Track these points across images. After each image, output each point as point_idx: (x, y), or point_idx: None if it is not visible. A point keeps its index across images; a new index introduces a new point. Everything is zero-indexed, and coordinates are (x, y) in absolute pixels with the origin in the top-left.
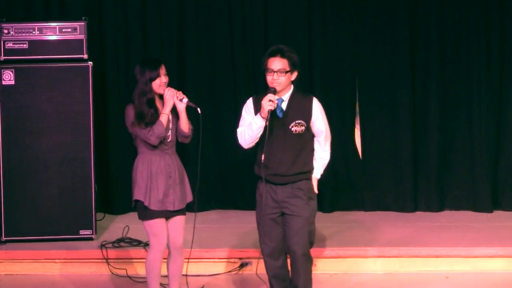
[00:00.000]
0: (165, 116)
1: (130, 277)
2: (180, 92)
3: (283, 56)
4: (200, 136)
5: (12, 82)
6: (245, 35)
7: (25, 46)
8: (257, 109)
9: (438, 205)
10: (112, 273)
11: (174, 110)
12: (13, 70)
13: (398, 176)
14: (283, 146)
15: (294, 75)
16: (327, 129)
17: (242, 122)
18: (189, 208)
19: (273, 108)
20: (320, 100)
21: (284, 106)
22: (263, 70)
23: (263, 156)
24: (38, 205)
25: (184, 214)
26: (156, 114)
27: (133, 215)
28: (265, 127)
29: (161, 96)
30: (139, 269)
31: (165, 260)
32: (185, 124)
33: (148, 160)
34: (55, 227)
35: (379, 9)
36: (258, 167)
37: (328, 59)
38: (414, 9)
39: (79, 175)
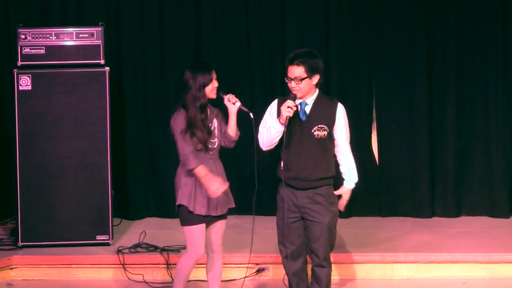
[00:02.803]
0: (202, 173)
1: (146, 283)
2: (233, 95)
3: (299, 63)
4: (254, 141)
5: (29, 88)
6: (262, 40)
7: (42, 51)
8: (280, 112)
9: (455, 211)
10: (129, 278)
11: (220, 115)
12: (30, 75)
13: (415, 182)
14: (304, 150)
15: (315, 79)
16: (348, 136)
17: (263, 123)
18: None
19: (291, 115)
20: None
21: (308, 109)
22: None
23: (282, 161)
24: (54, 210)
25: (226, 218)
26: (206, 120)
27: (150, 221)
28: (284, 133)
29: (210, 102)
30: (155, 275)
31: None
32: (233, 129)
33: None
34: (72, 232)
35: (396, 14)
36: (278, 169)
37: (345, 64)
38: (431, 14)
39: (96, 180)
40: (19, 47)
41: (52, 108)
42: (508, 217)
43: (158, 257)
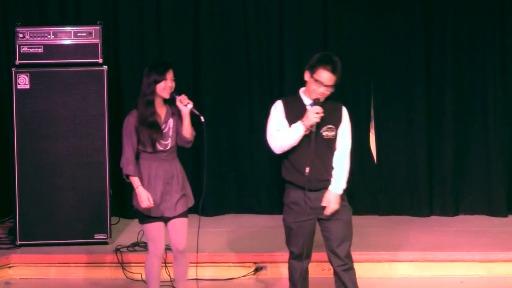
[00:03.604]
0: (135, 184)
1: (145, 281)
2: (186, 97)
3: (336, 72)
4: (205, 145)
5: (27, 86)
6: (260, 39)
7: (40, 50)
8: (289, 112)
9: (453, 209)
10: (127, 277)
11: (178, 115)
12: (28, 74)
13: (413, 181)
14: (315, 151)
15: None
16: (350, 138)
17: (273, 125)
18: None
19: (319, 120)
20: None
21: None
22: (308, 71)
23: (307, 169)
24: (53, 209)
25: (186, 217)
26: (154, 117)
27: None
28: (310, 138)
29: (165, 101)
30: None
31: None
32: (187, 130)
33: (147, 166)
34: (70, 231)
35: (394, 13)
36: (288, 171)
37: (343, 63)
38: (430, 13)
39: (94, 179)
40: (17, 46)
41: (50, 107)
42: (506, 216)
43: None
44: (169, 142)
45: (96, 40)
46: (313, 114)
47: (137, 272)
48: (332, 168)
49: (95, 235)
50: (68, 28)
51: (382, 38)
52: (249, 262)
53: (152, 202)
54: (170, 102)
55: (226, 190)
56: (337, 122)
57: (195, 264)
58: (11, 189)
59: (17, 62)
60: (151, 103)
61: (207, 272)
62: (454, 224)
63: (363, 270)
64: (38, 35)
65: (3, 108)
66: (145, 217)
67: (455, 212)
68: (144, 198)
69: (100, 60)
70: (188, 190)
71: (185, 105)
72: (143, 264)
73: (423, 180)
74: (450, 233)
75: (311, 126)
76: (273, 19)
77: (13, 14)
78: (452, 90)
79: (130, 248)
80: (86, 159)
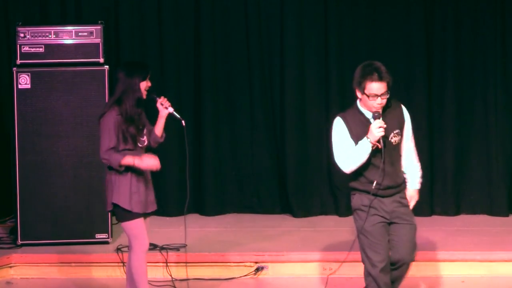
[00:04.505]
0: (131, 160)
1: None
2: (166, 99)
3: (383, 79)
4: (186, 149)
5: (28, 86)
6: (261, 38)
7: (41, 50)
8: (352, 129)
9: (454, 209)
10: None
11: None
12: (29, 74)
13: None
14: (387, 159)
15: None
16: (412, 134)
17: (340, 146)
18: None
19: (384, 133)
20: (337, 103)
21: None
22: (357, 88)
23: (381, 179)
24: (54, 209)
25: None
26: (141, 116)
27: (149, 219)
28: (381, 152)
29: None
30: (154, 273)
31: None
32: (160, 131)
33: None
34: (71, 230)
35: (395, 12)
36: (359, 182)
37: (344, 63)
38: (430, 12)
39: (95, 179)
40: (18, 45)
41: (51, 106)
42: (507, 216)
43: (157, 256)
44: (145, 139)
45: (97, 39)
46: (377, 130)
47: None
48: (401, 169)
49: (96, 235)
50: (69, 28)
51: (382, 38)
52: (250, 262)
53: (158, 162)
54: (145, 102)
55: (227, 189)
56: (401, 125)
57: (184, 264)
58: (12, 189)
59: (18, 61)
60: (140, 102)
61: (208, 271)
62: (455, 223)
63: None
64: (39, 34)
65: (4, 108)
66: (128, 215)
67: (456, 212)
68: (151, 161)
69: (101, 60)
70: (151, 189)
71: (165, 107)
72: None
73: (424, 179)
74: (451, 232)
75: (378, 141)
76: (274, 19)
77: (14, 13)
78: (453, 90)
79: None
80: (87, 159)
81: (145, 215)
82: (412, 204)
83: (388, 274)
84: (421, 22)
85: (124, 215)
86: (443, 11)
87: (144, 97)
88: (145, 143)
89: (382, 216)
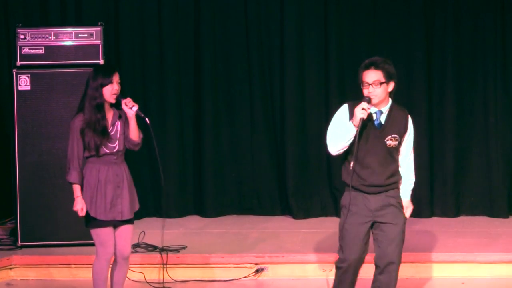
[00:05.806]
0: (75, 193)
1: (148, 283)
2: (131, 100)
3: (377, 67)
4: (154, 147)
5: (28, 88)
6: (261, 39)
7: (41, 51)
8: (352, 116)
9: (454, 210)
10: (129, 278)
11: (125, 117)
12: (29, 75)
13: (414, 182)
14: (378, 158)
15: (390, 86)
16: (412, 147)
17: (332, 127)
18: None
19: (365, 117)
20: (337, 103)
21: (383, 119)
22: (359, 84)
23: (351, 164)
24: (54, 210)
25: (132, 223)
26: (103, 121)
27: (149, 221)
28: (355, 136)
29: (111, 105)
30: (155, 274)
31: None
32: (134, 132)
33: (97, 170)
34: (71, 232)
35: (395, 13)
36: (348, 174)
37: (344, 63)
38: (431, 13)
39: None
40: (18, 47)
41: (51, 108)
42: (507, 217)
43: (157, 257)
44: (116, 145)
45: (97, 41)
46: (360, 110)
47: (139, 273)
48: (393, 174)
49: None
50: (69, 29)
51: (382, 38)
52: (250, 263)
53: (84, 212)
54: (116, 105)
55: (226, 191)
56: (401, 132)
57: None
58: (12, 190)
59: (18, 63)
60: (101, 107)
61: (208, 273)
62: (455, 225)
63: (363, 271)
64: (39, 36)
65: (4, 109)
66: (94, 221)
67: (456, 213)
68: (78, 208)
69: (101, 61)
70: (135, 194)
71: (130, 107)
72: (144, 265)
73: (424, 181)
74: (451, 234)
75: (358, 125)
76: (274, 19)
77: (14, 15)
78: (453, 91)
79: (132, 250)
80: None
81: (117, 223)
82: (408, 213)
83: (354, 275)
84: (421, 22)
85: (89, 221)
86: (443, 11)
87: (113, 101)
88: (116, 149)
89: (364, 216)
